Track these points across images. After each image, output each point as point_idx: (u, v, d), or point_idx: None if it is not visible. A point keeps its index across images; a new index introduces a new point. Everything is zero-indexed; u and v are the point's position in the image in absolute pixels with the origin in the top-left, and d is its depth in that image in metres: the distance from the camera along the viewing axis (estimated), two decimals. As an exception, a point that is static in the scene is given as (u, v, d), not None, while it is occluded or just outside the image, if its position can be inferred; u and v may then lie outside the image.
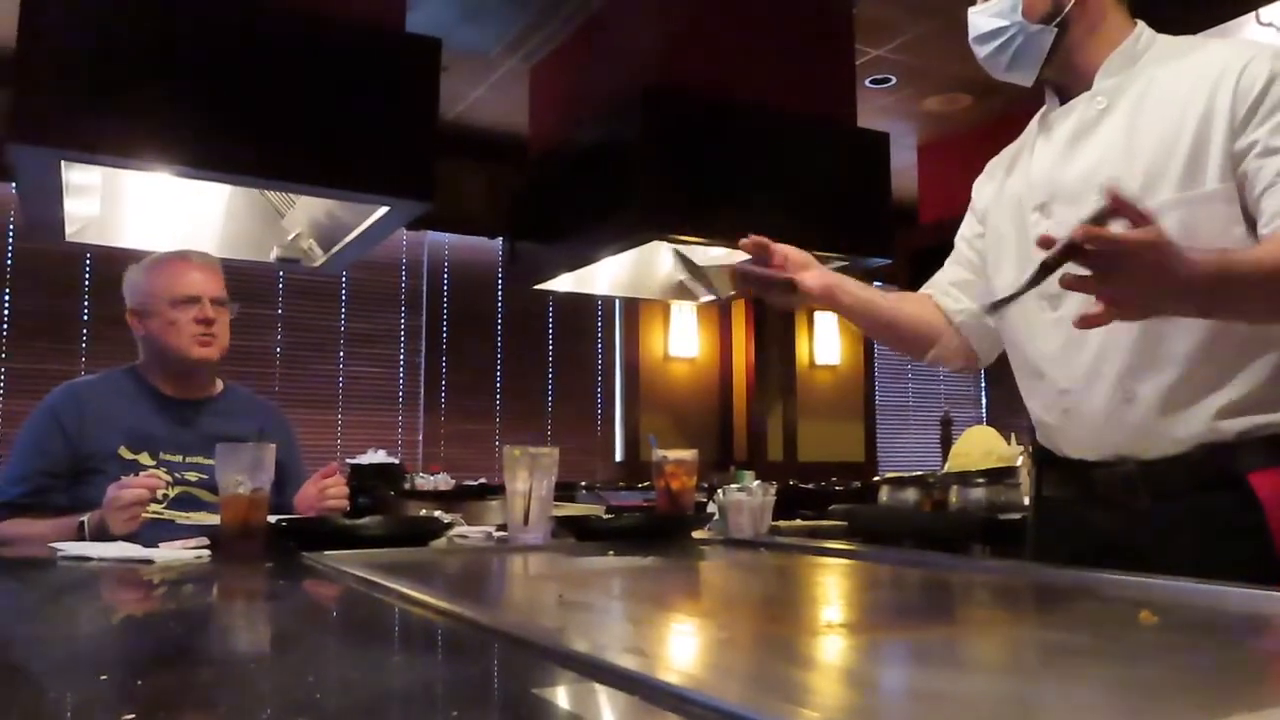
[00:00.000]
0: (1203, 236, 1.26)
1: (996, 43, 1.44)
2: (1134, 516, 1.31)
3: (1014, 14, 1.41)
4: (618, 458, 5.82)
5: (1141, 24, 1.45)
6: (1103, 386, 1.35)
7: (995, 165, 1.64)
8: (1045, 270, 1.13)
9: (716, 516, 1.96)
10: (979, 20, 1.46)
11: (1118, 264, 1.10)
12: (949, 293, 1.68)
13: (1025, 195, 1.48)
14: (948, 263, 1.71)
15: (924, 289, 1.73)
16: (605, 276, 3.91)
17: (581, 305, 5.73)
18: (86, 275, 4.53)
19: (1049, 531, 1.51)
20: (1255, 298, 1.21)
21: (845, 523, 3.16)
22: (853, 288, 1.65)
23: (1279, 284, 1.18)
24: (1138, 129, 1.35)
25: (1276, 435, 1.28)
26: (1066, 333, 1.37)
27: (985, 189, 1.63)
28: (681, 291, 4.14)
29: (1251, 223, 1.28)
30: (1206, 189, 1.29)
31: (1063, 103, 1.47)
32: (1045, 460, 1.50)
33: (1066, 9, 1.40)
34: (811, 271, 1.60)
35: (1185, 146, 1.30)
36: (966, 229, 1.68)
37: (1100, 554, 1.33)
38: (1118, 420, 1.34)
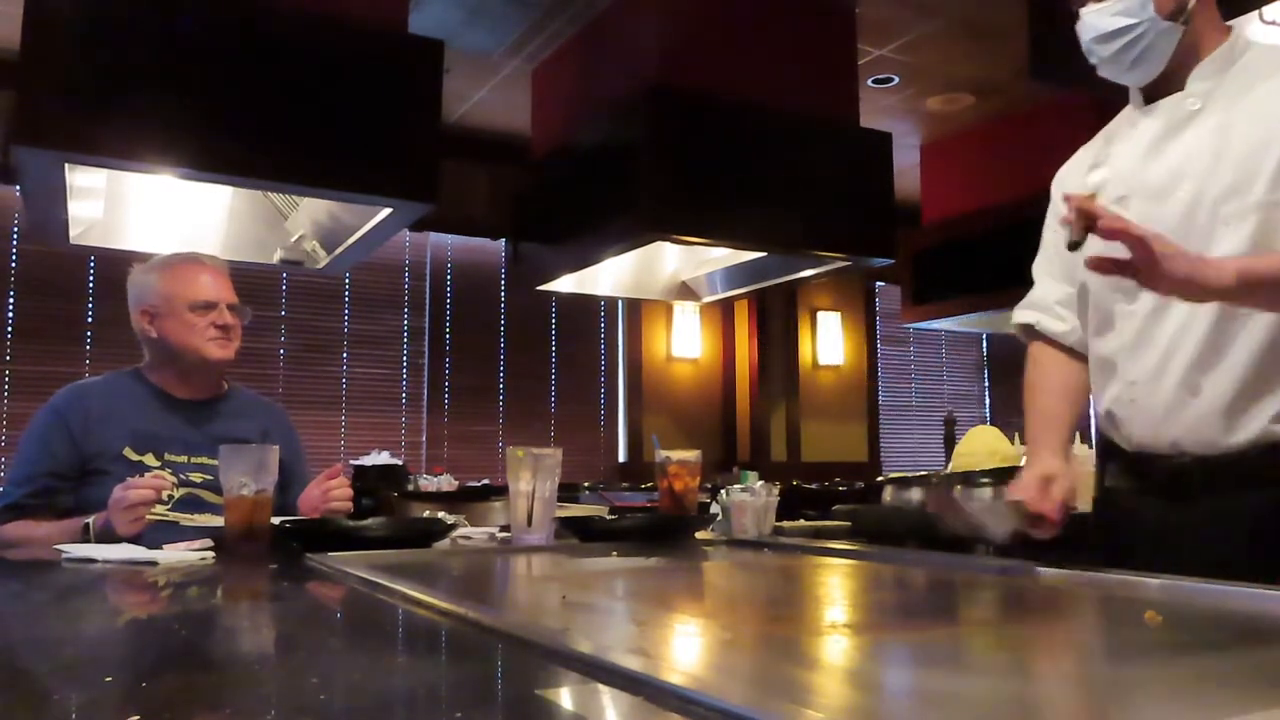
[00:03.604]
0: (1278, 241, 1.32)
1: (1122, 41, 1.42)
2: (1188, 509, 1.34)
3: (1144, 11, 1.40)
4: (621, 458, 5.82)
5: (1236, 28, 1.46)
6: (1169, 380, 1.39)
7: (1079, 161, 1.62)
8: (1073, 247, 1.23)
9: (720, 517, 1.96)
10: (1100, 20, 1.43)
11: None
12: (1054, 311, 1.63)
13: (1105, 189, 1.49)
14: (1041, 276, 1.66)
15: (1024, 310, 1.67)
16: (608, 277, 3.92)
17: (584, 306, 5.73)
18: (91, 278, 4.54)
19: (1108, 522, 1.54)
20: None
21: (849, 523, 3.15)
22: (1060, 455, 1.53)
23: None
24: (1230, 132, 1.37)
25: None
26: (1139, 325, 1.42)
27: (1069, 185, 1.60)
28: (684, 292, 4.14)
29: None
30: None
31: (1148, 101, 1.48)
32: (1108, 452, 1.53)
33: (1190, 5, 1.41)
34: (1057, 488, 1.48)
35: (1277, 152, 1.33)
36: (1054, 235, 1.64)
37: (1155, 545, 1.37)
38: (1179, 414, 1.37)
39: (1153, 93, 1.48)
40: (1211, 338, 1.35)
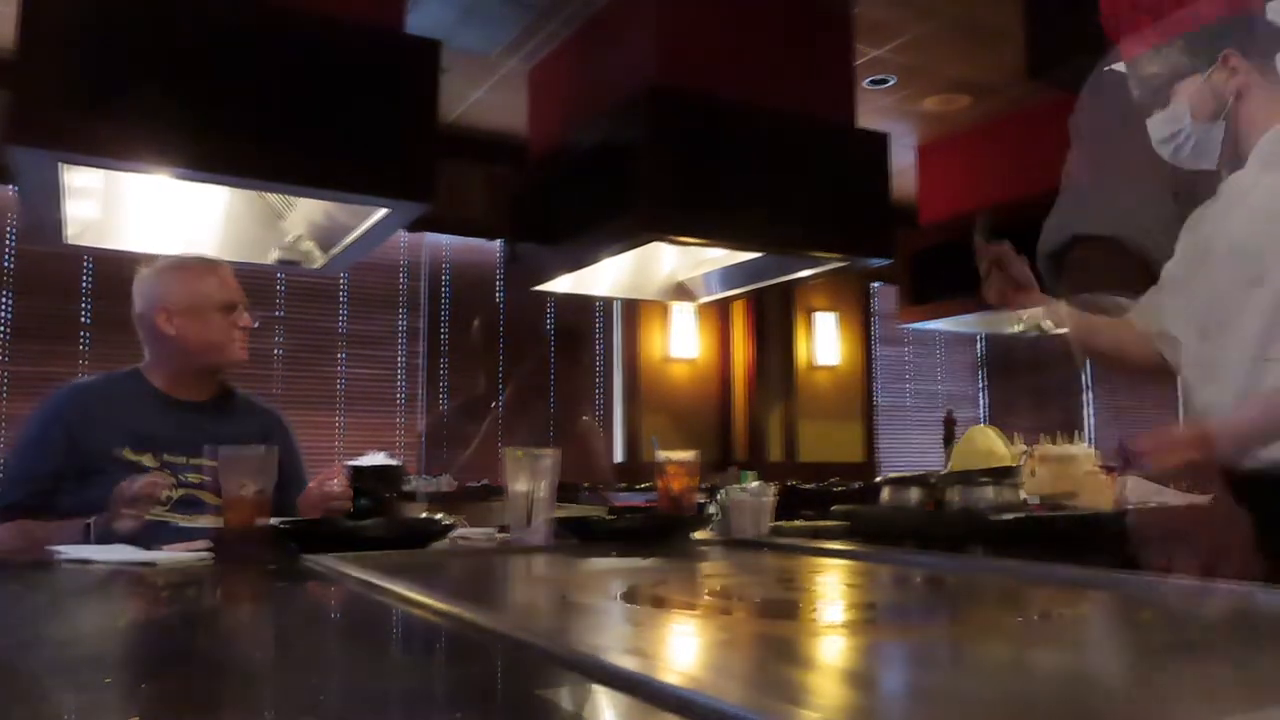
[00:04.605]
0: None
1: (1175, 143, 1.64)
2: (1264, 510, 1.47)
3: (1184, 119, 1.61)
4: (618, 459, 5.82)
5: None
6: (1223, 408, 1.57)
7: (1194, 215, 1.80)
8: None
9: (718, 517, 1.97)
10: (1157, 128, 1.65)
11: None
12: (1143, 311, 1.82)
13: (1191, 252, 1.69)
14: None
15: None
16: (605, 278, 3.92)
17: (581, 306, 5.73)
18: (87, 278, 4.53)
19: (1219, 523, 1.67)
20: None
21: (847, 523, 3.16)
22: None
23: None
24: (1274, 203, 1.53)
25: None
26: (1208, 364, 1.61)
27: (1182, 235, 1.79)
28: (681, 292, 4.14)
29: None
30: None
31: (1229, 172, 1.64)
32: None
33: (1229, 103, 1.57)
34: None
35: None
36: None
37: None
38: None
39: (1231, 168, 1.63)
40: (1250, 380, 1.53)
